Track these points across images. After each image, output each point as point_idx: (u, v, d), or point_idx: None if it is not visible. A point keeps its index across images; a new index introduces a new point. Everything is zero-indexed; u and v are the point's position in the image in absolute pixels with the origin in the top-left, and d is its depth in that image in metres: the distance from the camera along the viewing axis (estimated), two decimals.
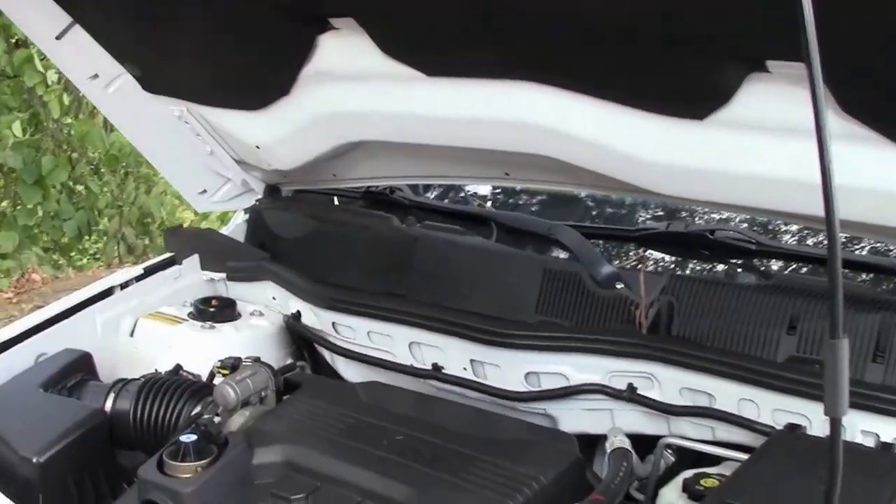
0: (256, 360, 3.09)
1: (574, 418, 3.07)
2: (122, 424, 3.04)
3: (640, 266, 3.33)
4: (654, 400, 2.92)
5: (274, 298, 3.71)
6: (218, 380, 3.14)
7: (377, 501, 2.56)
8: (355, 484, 2.60)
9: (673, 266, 3.59)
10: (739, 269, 3.51)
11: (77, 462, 2.88)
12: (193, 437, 2.66)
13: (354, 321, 3.41)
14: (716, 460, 2.81)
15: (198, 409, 3.00)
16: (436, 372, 3.25)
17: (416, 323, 3.24)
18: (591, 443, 3.11)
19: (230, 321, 3.57)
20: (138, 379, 3.17)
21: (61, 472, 2.84)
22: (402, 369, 3.33)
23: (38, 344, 3.27)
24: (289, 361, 3.59)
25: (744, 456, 2.75)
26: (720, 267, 3.51)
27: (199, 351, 3.41)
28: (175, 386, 3.07)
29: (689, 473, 2.72)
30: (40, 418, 2.96)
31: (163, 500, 2.59)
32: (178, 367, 3.25)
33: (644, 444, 2.98)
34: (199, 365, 3.33)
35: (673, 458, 2.93)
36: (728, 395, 2.83)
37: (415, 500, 2.51)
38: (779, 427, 2.74)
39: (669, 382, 2.90)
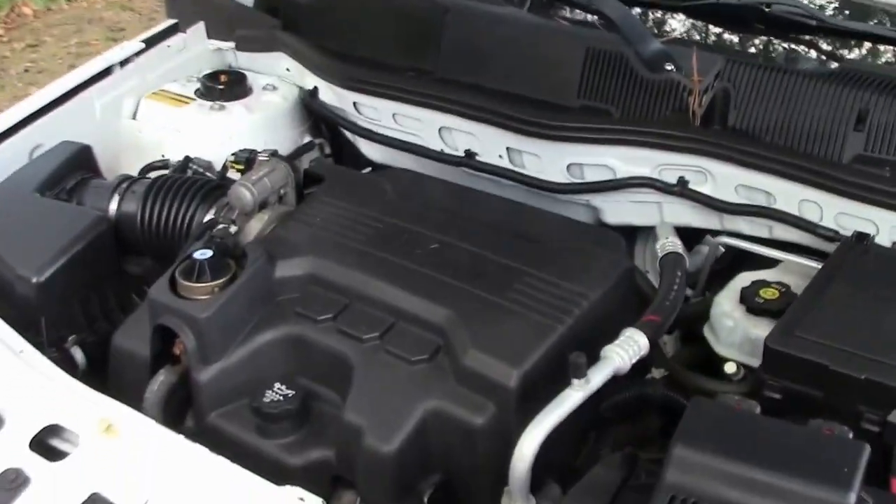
0: (273, 153, 2.84)
1: (619, 210, 2.84)
2: (129, 229, 2.82)
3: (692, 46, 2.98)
4: (707, 196, 2.67)
5: (288, 70, 3.38)
6: (232, 175, 2.91)
7: (412, 323, 2.36)
8: (387, 302, 2.40)
9: (727, 45, 3.24)
10: (800, 52, 3.17)
11: (80, 277, 2.67)
12: (208, 253, 2.44)
13: (379, 102, 3.11)
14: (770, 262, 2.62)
15: (211, 212, 2.76)
16: (469, 159, 2.98)
17: (448, 109, 2.94)
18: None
19: (241, 98, 3.27)
20: (145, 178, 2.93)
21: (63, 290, 2.63)
22: (431, 155, 3.06)
23: (32, 136, 2.99)
24: (306, 140, 3.34)
25: (804, 260, 2.56)
26: (779, 49, 3.16)
27: (209, 135, 3.15)
28: (186, 186, 2.82)
29: (745, 280, 2.51)
30: (37, 229, 2.73)
31: (177, 327, 2.41)
32: (188, 161, 3.00)
33: (695, 237, 2.77)
34: (210, 151, 3.09)
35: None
36: (788, 195, 2.58)
37: (454, 324, 2.30)
38: (843, 231, 2.52)
39: (724, 178, 2.64)
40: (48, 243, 2.65)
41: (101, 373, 2.61)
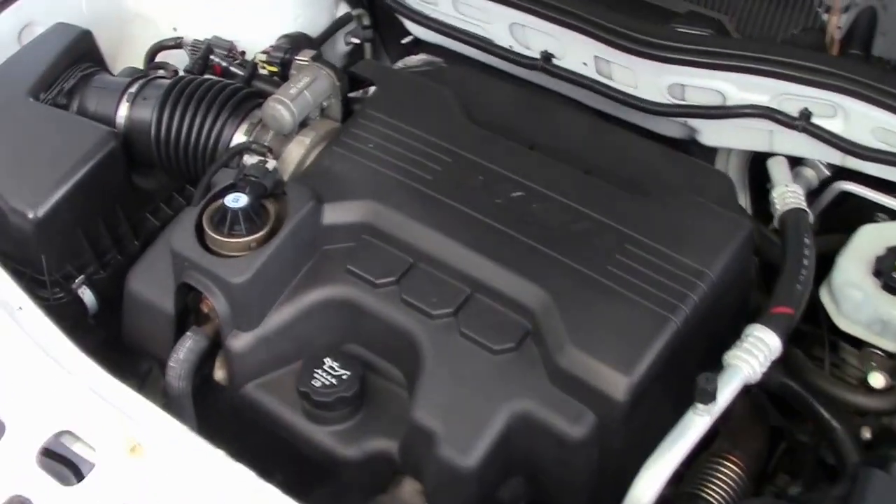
0: (316, 56, 2.36)
1: (720, 133, 2.40)
2: (140, 140, 2.38)
3: None
4: (835, 135, 2.22)
5: None
6: (263, 72, 2.44)
7: (492, 298, 1.98)
8: (461, 269, 2.01)
9: None
10: None
11: (85, 205, 2.25)
12: (242, 199, 2.02)
13: None
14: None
15: (242, 129, 2.31)
16: (545, 63, 2.49)
17: (523, 6, 2.43)
18: None
19: None
20: (159, 77, 2.44)
21: (66, 222, 2.23)
22: (499, 53, 2.57)
23: (20, 12, 2.50)
24: (341, 10, 2.83)
25: None
26: None
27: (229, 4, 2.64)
28: (211, 94, 2.35)
29: (871, 239, 2.12)
30: (33, 148, 2.28)
31: (207, 289, 2.02)
32: (209, 50, 2.51)
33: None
34: (232, 26, 2.60)
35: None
36: None
37: (547, 308, 1.92)
38: None
39: (859, 118, 2.19)
40: (46, 167, 2.22)
41: (115, 312, 2.25)
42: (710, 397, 1.75)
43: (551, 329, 1.90)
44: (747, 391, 2.27)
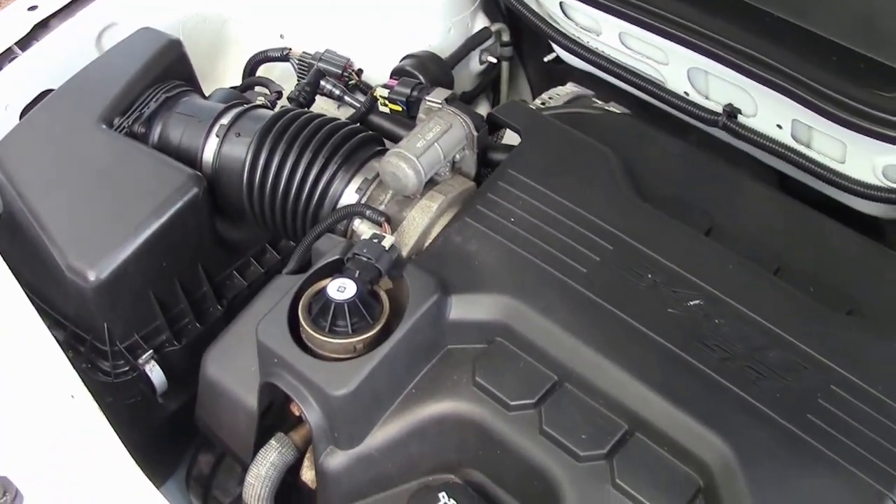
0: (451, 96, 1.92)
1: None
2: (230, 185, 1.98)
3: None
4: None
5: None
6: (382, 109, 2.02)
7: (655, 440, 1.55)
8: (618, 399, 1.58)
9: None
10: None
11: (158, 266, 1.88)
12: (349, 288, 1.61)
13: (599, 14, 2.10)
14: None
15: (354, 184, 1.90)
16: (729, 119, 2.01)
17: (704, 49, 1.95)
18: None
19: None
20: (257, 107, 2.03)
21: (135, 285, 1.86)
22: (671, 101, 2.10)
23: (103, 9, 2.10)
24: (481, 27, 2.39)
25: None
26: None
27: (343, 17, 2.21)
28: (321, 136, 1.93)
29: None
30: (101, 192, 1.89)
31: (300, 397, 1.62)
32: (320, 75, 2.08)
33: None
34: (351, 42, 2.19)
35: None
36: None
37: (728, 468, 1.49)
38: None
39: None
40: (114, 218, 1.83)
41: (190, 385, 1.88)
42: None
43: (732, 494, 1.48)
44: None
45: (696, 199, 1.86)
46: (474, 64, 2.46)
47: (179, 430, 2.04)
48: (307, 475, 1.77)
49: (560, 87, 2.24)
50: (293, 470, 1.78)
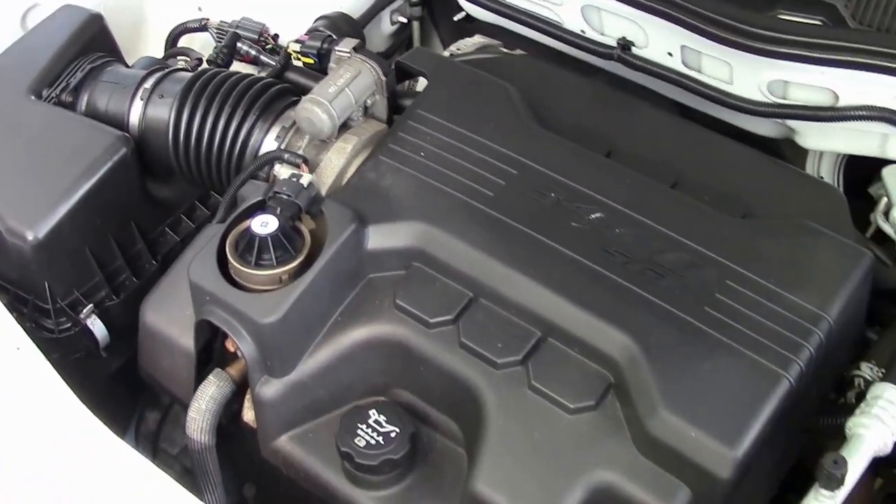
0: (359, 45, 2.03)
1: (825, 135, 2.04)
2: (157, 144, 2.07)
3: None
4: None
5: None
6: (296, 63, 2.13)
7: (567, 343, 1.67)
8: (529, 307, 1.69)
9: None
10: None
11: (93, 224, 1.98)
12: (272, 223, 1.71)
13: None
14: None
15: (273, 133, 2.00)
16: (623, 52, 2.12)
17: None
18: None
19: None
20: (177, 70, 2.13)
21: (72, 244, 1.95)
22: (569, 39, 2.20)
23: None
24: None
25: None
26: None
27: None
28: (238, 91, 2.03)
29: None
30: (34, 156, 1.98)
31: (232, 329, 1.72)
32: (236, 37, 2.18)
33: None
34: (266, 10, 2.29)
35: None
36: None
37: (634, 360, 1.61)
38: None
39: None
40: (48, 180, 1.93)
41: (131, 339, 1.97)
42: (836, 483, 1.43)
43: (639, 385, 1.59)
44: None
45: (596, 125, 1.96)
46: (386, 25, 2.56)
47: (126, 389, 2.14)
48: (248, 416, 1.86)
49: (468, 39, 2.35)
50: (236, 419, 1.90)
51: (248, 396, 1.84)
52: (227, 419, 1.88)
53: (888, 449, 1.55)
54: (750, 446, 1.52)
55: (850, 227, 1.84)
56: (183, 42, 2.36)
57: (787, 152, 2.22)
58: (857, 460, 1.51)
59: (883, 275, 1.87)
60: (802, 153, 2.20)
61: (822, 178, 2.18)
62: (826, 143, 2.06)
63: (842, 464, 1.43)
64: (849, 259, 1.73)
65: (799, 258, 1.72)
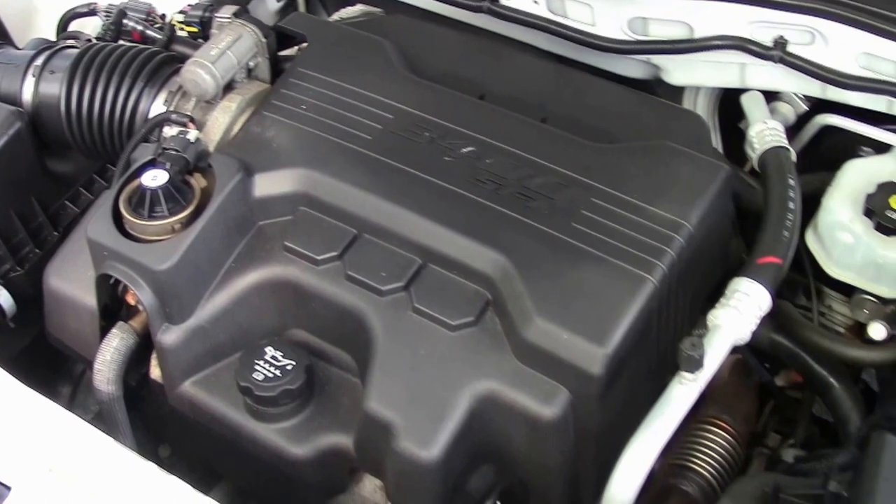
0: (239, 10, 2.13)
1: (687, 70, 2.18)
2: (50, 118, 2.14)
3: None
4: (814, 64, 2.01)
5: None
6: (181, 34, 2.22)
7: (446, 267, 1.77)
8: (409, 237, 1.79)
9: None
10: None
11: None
12: (162, 177, 1.81)
13: None
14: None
15: (160, 98, 2.09)
16: (492, 3, 2.23)
17: None
18: None
19: None
20: (67, 47, 2.21)
21: None
22: None
23: None
24: None
25: None
26: None
27: None
28: (124, 62, 2.11)
29: (859, 176, 1.93)
30: None
31: (129, 280, 1.80)
32: (122, 14, 2.27)
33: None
34: None
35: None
36: None
37: (507, 275, 1.71)
38: None
39: (840, 43, 1.98)
40: None
41: (39, 311, 2.04)
42: (696, 365, 1.55)
43: (513, 298, 1.70)
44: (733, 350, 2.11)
45: (469, 72, 2.08)
46: (271, 2, 2.65)
47: (39, 366, 2.20)
48: (155, 373, 1.95)
49: (349, 8, 2.46)
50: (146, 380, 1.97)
51: (154, 355, 1.93)
52: (137, 381, 1.97)
53: (747, 337, 1.67)
54: (619, 344, 1.63)
55: (710, 146, 1.97)
56: (73, 27, 2.44)
57: (663, 94, 2.33)
58: (716, 349, 1.63)
59: (752, 197, 2.01)
60: (678, 95, 2.33)
61: None
62: (690, 77, 2.19)
63: (699, 346, 1.55)
64: (706, 172, 1.85)
65: (659, 174, 1.84)
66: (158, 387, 1.94)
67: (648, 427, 1.54)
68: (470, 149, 1.89)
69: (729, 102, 2.23)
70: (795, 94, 2.17)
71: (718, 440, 1.96)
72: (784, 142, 1.95)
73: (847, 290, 1.97)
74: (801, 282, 2.05)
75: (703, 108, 2.29)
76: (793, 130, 2.18)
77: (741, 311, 1.66)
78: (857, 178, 1.93)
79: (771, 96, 2.17)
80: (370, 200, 1.83)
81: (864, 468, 1.37)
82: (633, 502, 1.55)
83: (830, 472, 1.48)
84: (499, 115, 1.96)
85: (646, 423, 1.55)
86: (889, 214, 1.84)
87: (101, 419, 1.95)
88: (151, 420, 2.04)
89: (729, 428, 1.97)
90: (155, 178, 1.79)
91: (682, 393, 1.56)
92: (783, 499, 1.50)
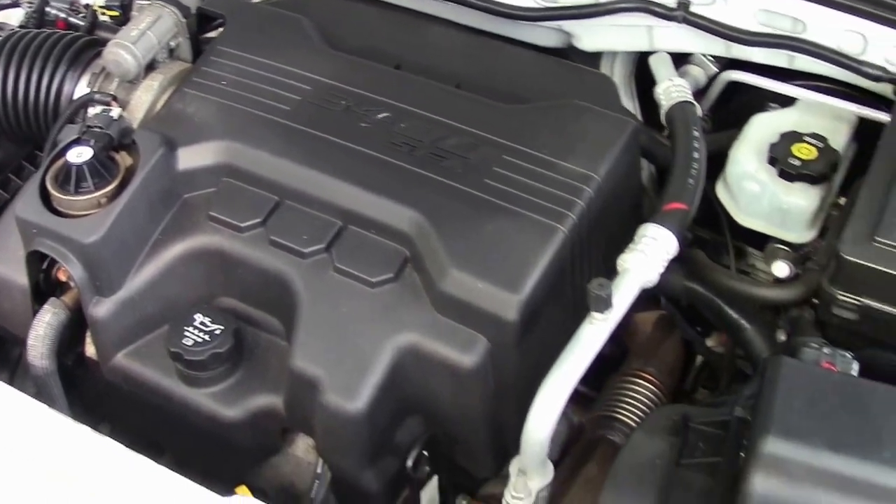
0: None
1: (597, 35, 2.24)
2: None
3: None
4: (716, 22, 2.09)
5: None
6: (104, 20, 2.27)
7: (365, 228, 1.83)
8: (329, 200, 1.85)
9: None
10: None
11: None
12: (86, 153, 1.85)
13: None
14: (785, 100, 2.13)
15: (84, 81, 2.13)
16: None
17: None
18: None
19: None
20: None
21: None
22: None
23: None
24: None
25: (829, 99, 2.08)
26: None
27: None
28: (47, 46, 2.15)
29: (764, 127, 2.02)
30: None
31: (59, 255, 1.85)
32: (45, 2, 2.31)
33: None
34: None
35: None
36: (826, 24, 2.02)
37: (423, 231, 1.78)
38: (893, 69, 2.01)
39: (741, 1, 2.06)
40: None
41: None
42: (604, 304, 1.61)
43: (430, 253, 1.76)
44: (654, 302, 2.18)
45: (385, 44, 2.14)
46: None
47: None
48: (89, 350, 1.99)
49: None
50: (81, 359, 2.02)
51: (89, 332, 1.97)
52: (73, 361, 2.01)
53: (654, 279, 1.74)
54: (532, 290, 1.70)
55: (619, 104, 2.04)
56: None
57: (579, 63, 2.38)
58: (625, 290, 1.69)
59: (664, 152, 2.08)
60: (595, 63, 2.39)
61: None
62: (600, 42, 2.26)
63: (605, 285, 1.60)
64: (613, 127, 1.93)
65: (568, 131, 1.91)
66: (94, 364, 1.98)
67: (561, 366, 1.60)
68: (385, 114, 1.95)
69: (647, 70, 2.31)
70: (704, 56, 2.25)
71: (643, 391, 2.04)
72: (689, 97, 2.03)
73: (763, 246, 2.05)
74: (722, 241, 2.14)
75: (619, 74, 2.36)
76: (704, 93, 2.27)
77: (648, 254, 1.73)
78: (762, 130, 2.02)
79: (682, 60, 2.26)
80: (290, 168, 1.89)
81: (763, 390, 1.43)
82: (549, 440, 1.60)
83: (737, 400, 1.55)
84: (413, 83, 2.02)
85: (558, 362, 1.61)
86: (791, 161, 1.92)
87: (39, 398, 1.99)
88: (89, 399, 2.08)
89: (653, 379, 2.06)
90: (80, 155, 1.84)
91: (593, 332, 1.62)
92: (692, 427, 1.56)
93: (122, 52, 2.01)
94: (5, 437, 1.59)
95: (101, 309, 1.88)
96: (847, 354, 1.49)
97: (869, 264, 1.63)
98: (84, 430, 1.62)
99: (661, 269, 1.74)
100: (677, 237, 1.76)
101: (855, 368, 1.47)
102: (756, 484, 1.32)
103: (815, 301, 1.83)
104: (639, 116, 2.24)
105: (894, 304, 1.65)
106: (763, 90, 2.17)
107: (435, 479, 1.88)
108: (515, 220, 1.78)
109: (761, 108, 2.15)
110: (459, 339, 1.72)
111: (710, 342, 2.21)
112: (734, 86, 2.24)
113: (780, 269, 1.92)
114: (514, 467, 1.65)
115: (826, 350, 1.50)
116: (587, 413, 2.03)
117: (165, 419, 1.92)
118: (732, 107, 2.26)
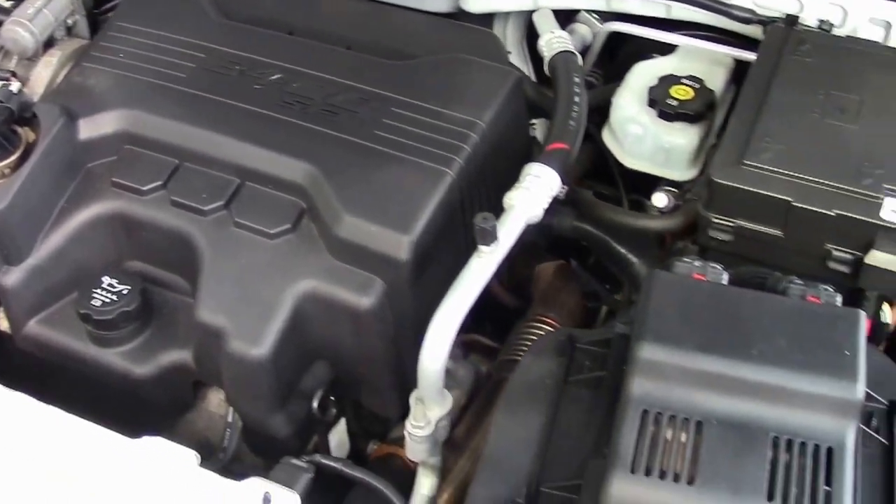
0: None
1: None
2: None
3: None
4: None
5: None
6: (4, 5, 2.31)
7: (262, 183, 1.90)
8: (226, 159, 1.91)
9: None
10: None
11: None
12: None
13: None
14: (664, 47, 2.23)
15: None
16: None
17: None
18: None
19: None
20: None
21: None
22: None
23: None
24: None
25: (706, 44, 2.19)
26: None
27: None
28: None
29: (645, 75, 2.11)
30: None
31: None
32: None
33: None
34: None
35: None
36: None
37: (316, 181, 1.85)
38: (765, 11, 2.11)
39: None
40: None
41: None
42: (490, 237, 1.68)
43: (325, 202, 1.83)
44: (557, 253, 2.26)
45: (279, 14, 2.21)
46: None
47: None
48: (3, 325, 2.04)
49: None
50: None
51: (2, 306, 2.02)
52: None
53: (539, 215, 1.81)
54: (422, 231, 1.78)
55: (505, 58, 2.13)
56: None
57: None
58: (510, 225, 1.75)
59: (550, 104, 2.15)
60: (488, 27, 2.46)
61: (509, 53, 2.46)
62: (486, 4, 2.34)
63: (490, 218, 1.68)
64: (497, 77, 2.01)
65: (454, 83, 1.99)
66: (8, 338, 2.03)
67: (450, 298, 1.67)
68: (278, 76, 2.02)
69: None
70: (589, 13, 2.34)
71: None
72: (570, 47, 2.10)
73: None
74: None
75: (511, 37, 2.44)
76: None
77: (532, 191, 1.80)
78: (642, 76, 2.11)
79: (569, 21, 2.35)
80: (187, 131, 1.95)
81: (639, 304, 1.52)
82: (444, 369, 1.67)
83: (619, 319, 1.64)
84: (305, 46, 2.10)
85: (448, 295, 1.68)
86: (669, 102, 2.01)
87: None
88: (6, 376, 2.13)
89: (554, 324, 2.14)
90: None
91: (480, 265, 1.69)
92: (578, 347, 1.64)
93: (20, 29, 2.07)
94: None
95: (10, 278, 1.92)
96: (717, 266, 1.58)
97: (738, 185, 1.73)
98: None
99: (545, 205, 1.82)
100: (560, 175, 1.84)
101: (725, 279, 1.55)
102: (635, 387, 1.40)
103: None
104: (532, 78, 2.34)
105: (763, 223, 1.75)
106: (647, 41, 2.26)
107: (343, 422, 1.96)
108: (405, 167, 1.85)
109: (646, 58, 2.25)
110: (356, 282, 1.79)
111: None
112: (621, 40, 2.34)
113: (660, 199, 2.02)
114: (413, 398, 1.72)
115: (697, 263, 1.58)
116: (493, 359, 2.12)
117: (80, 383, 1.97)
118: (619, 60, 2.36)
